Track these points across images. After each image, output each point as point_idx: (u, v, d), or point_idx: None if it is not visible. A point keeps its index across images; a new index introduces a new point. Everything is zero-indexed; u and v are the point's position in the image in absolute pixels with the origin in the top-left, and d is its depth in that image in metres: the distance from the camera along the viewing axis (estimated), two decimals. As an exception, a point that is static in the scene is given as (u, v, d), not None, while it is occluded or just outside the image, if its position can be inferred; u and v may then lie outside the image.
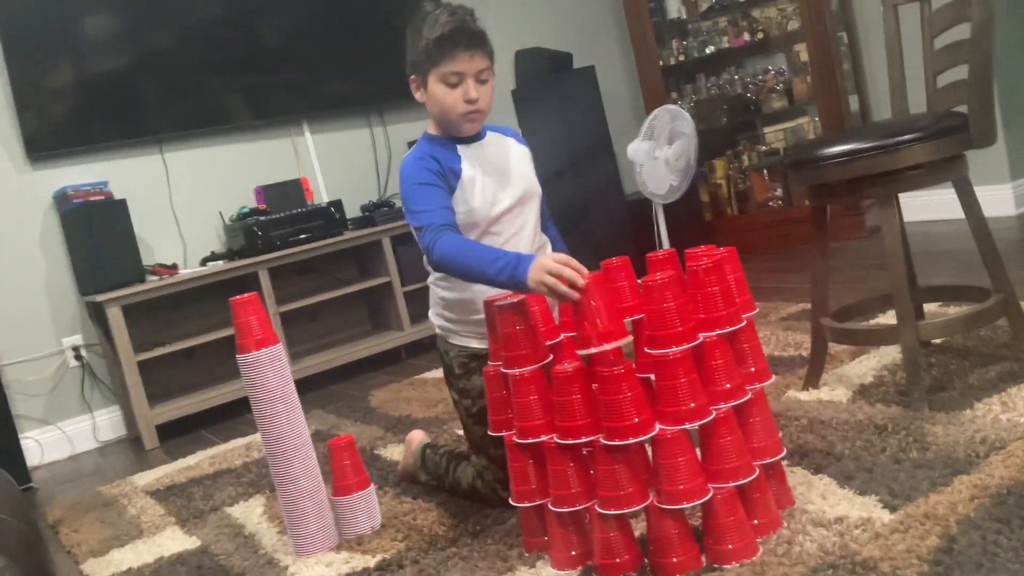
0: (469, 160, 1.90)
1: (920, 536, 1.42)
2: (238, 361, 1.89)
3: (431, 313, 2.06)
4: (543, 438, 1.60)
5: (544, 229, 2.06)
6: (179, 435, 3.43)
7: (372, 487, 2.03)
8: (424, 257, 1.97)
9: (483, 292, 1.83)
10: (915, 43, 2.20)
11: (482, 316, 1.86)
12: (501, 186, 1.92)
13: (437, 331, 2.05)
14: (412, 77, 1.92)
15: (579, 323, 1.55)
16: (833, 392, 2.17)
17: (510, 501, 1.70)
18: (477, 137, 1.96)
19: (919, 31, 2.19)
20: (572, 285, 1.53)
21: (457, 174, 1.87)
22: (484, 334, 1.89)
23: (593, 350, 1.52)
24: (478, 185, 1.88)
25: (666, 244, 3.94)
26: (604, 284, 1.59)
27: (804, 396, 2.19)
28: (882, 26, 2.26)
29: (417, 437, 2.29)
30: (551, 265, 1.56)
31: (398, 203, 4.07)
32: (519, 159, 2.00)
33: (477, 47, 1.85)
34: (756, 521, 1.52)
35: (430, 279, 2.02)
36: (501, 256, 1.66)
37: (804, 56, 4.34)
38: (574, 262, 1.57)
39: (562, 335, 1.73)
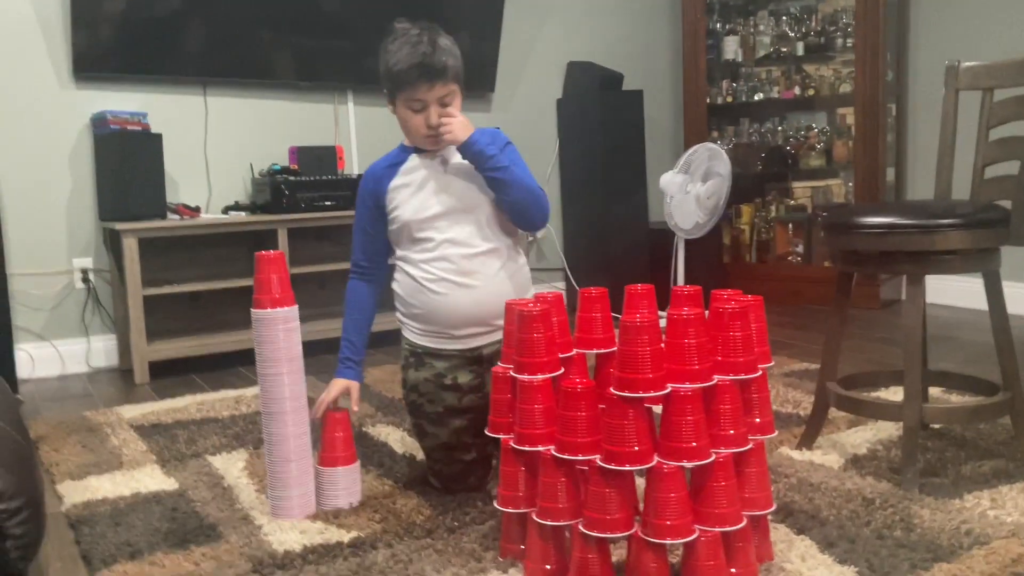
0: (411, 170, 2.00)
1: (893, 615, 1.43)
2: (252, 315, 1.89)
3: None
4: (540, 448, 1.61)
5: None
6: (169, 375, 3.44)
7: (358, 463, 2.04)
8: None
9: (418, 291, 1.98)
10: (969, 130, 2.21)
11: (420, 311, 1.99)
12: (436, 193, 1.97)
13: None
14: (385, 91, 1.99)
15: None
16: (826, 456, 2.18)
17: (495, 504, 1.71)
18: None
19: (976, 118, 2.20)
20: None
21: (384, 192, 2.01)
22: (423, 331, 2.02)
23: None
24: (404, 193, 1.99)
25: (681, 279, 3.95)
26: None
27: (797, 455, 2.20)
28: (938, 107, 2.28)
29: None
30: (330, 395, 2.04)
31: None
32: (470, 172, 1.98)
33: (437, 79, 1.89)
34: (734, 570, 1.53)
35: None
36: (346, 348, 2.11)
37: (850, 120, 4.36)
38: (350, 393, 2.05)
39: (575, 350, 1.74)
